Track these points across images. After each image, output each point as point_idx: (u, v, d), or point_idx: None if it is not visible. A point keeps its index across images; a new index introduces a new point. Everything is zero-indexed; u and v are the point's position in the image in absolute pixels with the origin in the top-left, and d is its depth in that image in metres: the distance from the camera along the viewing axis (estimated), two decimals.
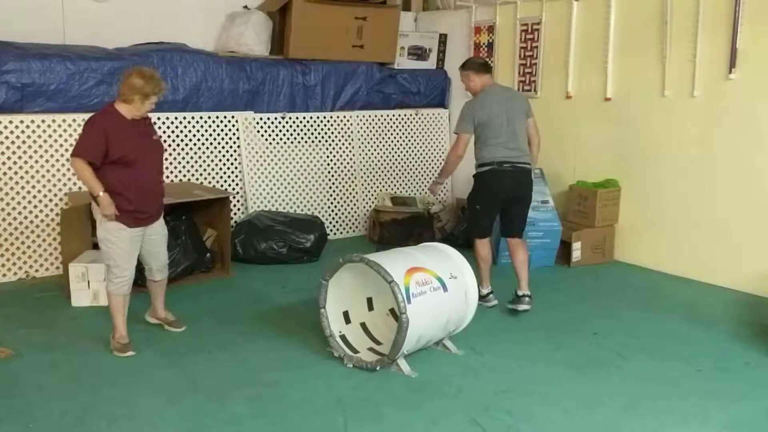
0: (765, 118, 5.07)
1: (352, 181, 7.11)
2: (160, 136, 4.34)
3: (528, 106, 4.90)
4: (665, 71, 5.59)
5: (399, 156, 7.42)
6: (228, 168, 6.40)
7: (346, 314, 4.16)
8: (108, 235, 3.99)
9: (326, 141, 6.91)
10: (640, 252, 5.99)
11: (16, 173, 5.37)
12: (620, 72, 5.96)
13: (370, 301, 4.28)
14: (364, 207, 7.18)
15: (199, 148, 6.21)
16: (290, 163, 6.71)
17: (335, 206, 7.02)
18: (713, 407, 3.52)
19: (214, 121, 6.28)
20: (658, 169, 5.76)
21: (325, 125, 6.90)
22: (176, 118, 6.08)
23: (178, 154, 6.10)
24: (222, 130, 6.33)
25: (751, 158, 5.19)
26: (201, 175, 6.23)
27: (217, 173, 6.33)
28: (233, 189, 6.41)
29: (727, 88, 5.24)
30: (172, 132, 6.06)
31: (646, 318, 4.76)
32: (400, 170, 7.43)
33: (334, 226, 7.00)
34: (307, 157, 6.81)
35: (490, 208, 4.82)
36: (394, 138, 7.38)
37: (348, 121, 7.06)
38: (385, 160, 7.32)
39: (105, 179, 3.89)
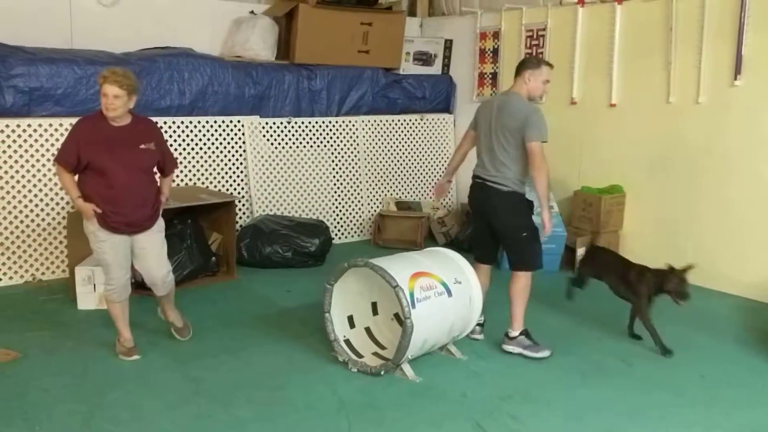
0: None
1: (357, 186, 7.13)
2: (153, 148, 3.94)
3: (523, 126, 3.91)
4: (670, 77, 5.59)
5: (404, 161, 7.43)
6: (233, 172, 6.42)
7: (350, 318, 4.16)
8: (92, 245, 3.98)
9: (331, 146, 6.94)
10: (644, 258, 5.92)
11: (23, 177, 5.40)
12: (625, 78, 5.97)
13: (374, 305, 4.29)
14: (369, 211, 7.19)
15: (205, 153, 6.24)
16: (295, 167, 6.73)
17: (340, 210, 7.04)
18: (717, 414, 3.51)
19: (220, 126, 6.30)
20: (663, 175, 5.76)
21: (330, 130, 6.93)
22: (182, 122, 6.10)
23: (184, 158, 6.13)
24: (228, 135, 6.35)
25: (756, 164, 5.18)
26: (207, 179, 6.26)
27: (222, 177, 6.36)
28: (239, 193, 6.43)
29: (732, 95, 5.24)
30: (179, 136, 6.09)
31: None
32: (405, 175, 7.45)
33: (339, 231, 7.01)
34: (313, 162, 6.83)
35: (476, 228, 4.46)
36: (400, 143, 7.40)
37: (353, 126, 7.08)
38: (390, 165, 7.33)
39: (81, 184, 3.84)
